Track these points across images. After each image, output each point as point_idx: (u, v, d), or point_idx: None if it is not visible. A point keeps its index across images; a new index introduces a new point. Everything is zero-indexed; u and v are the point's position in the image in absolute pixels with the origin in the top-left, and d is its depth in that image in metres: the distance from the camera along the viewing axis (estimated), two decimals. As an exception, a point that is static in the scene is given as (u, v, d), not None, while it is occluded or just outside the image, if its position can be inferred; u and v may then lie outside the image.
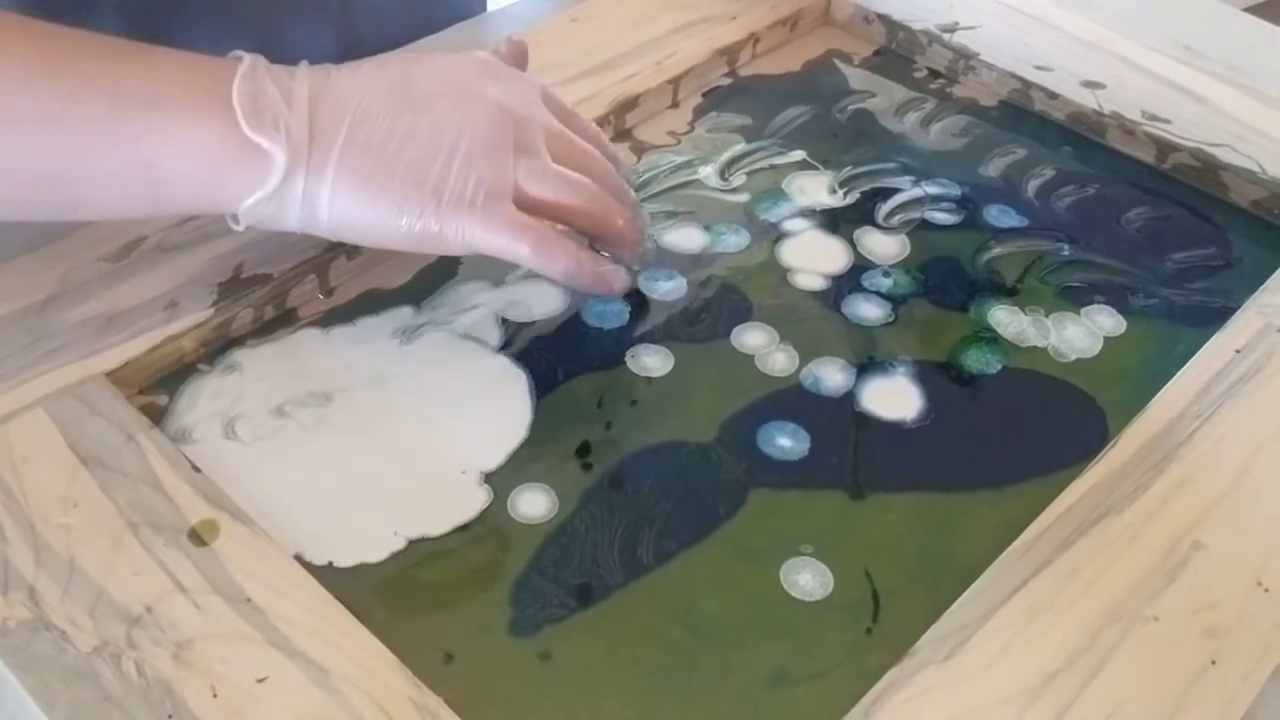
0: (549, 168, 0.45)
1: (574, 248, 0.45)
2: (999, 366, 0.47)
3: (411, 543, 0.40)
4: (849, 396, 0.46)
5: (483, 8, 0.69)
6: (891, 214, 0.54)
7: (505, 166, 0.43)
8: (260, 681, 0.34)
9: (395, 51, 0.45)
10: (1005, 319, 0.49)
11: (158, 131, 0.40)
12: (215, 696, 0.34)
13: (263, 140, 0.41)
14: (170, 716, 0.33)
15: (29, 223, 0.47)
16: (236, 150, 0.41)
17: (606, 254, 0.47)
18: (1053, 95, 0.60)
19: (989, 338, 0.48)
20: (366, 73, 0.44)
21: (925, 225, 0.54)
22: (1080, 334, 0.49)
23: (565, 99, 0.48)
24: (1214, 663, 0.36)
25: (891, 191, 0.56)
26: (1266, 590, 0.38)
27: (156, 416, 0.43)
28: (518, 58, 0.50)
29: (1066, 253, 0.53)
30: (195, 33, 0.58)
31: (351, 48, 0.62)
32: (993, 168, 0.58)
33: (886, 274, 0.51)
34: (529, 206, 0.44)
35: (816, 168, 0.57)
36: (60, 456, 0.40)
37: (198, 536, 0.38)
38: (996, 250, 0.53)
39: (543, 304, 0.49)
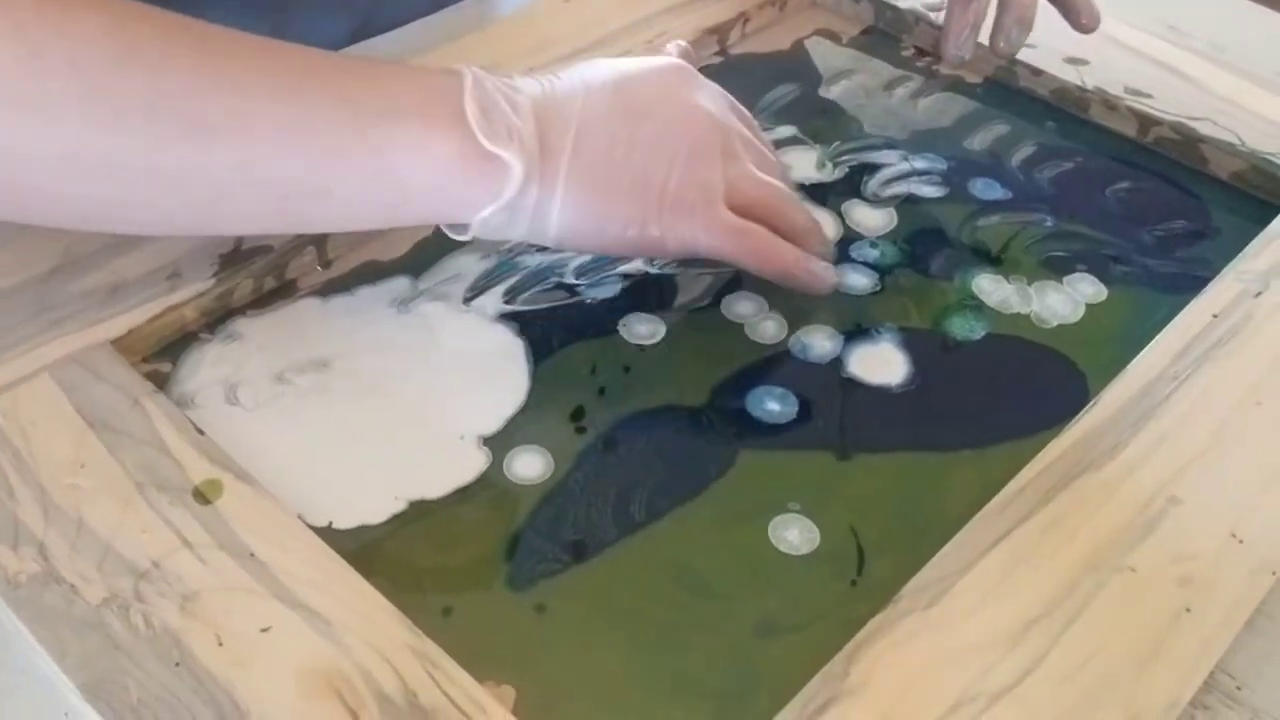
0: (752, 172, 0.46)
1: (789, 248, 0.46)
2: (983, 333, 0.48)
3: (411, 504, 0.41)
4: (836, 362, 0.47)
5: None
6: (879, 187, 0.55)
7: (717, 171, 0.45)
8: (264, 631, 0.35)
9: (596, 61, 0.46)
10: (989, 287, 0.50)
11: (398, 144, 0.41)
12: (221, 645, 0.35)
13: (501, 151, 0.41)
14: (178, 664, 0.34)
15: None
16: (475, 162, 0.41)
17: None
18: (1037, 72, 0.61)
19: (973, 305, 0.49)
20: (581, 81, 0.44)
21: (912, 198, 0.55)
22: (1062, 301, 0.50)
23: (744, 109, 0.50)
24: (1189, 610, 0.37)
25: (879, 166, 0.57)
26: (1241, 542, 0.39)
27: (160, 383, 0.44)
28: (691, 58, 0.51)
29: (1049, 224, 0.54)
30: (206, 7, 0.58)
31: (363, 24, 0.63)
32: (978, 142, 0.59)
33: (874, 245, 0.52)
34: (738, 209, 0.45)
35: (805, 143, 0.58)
36: (68, 420, 0.41)
37: (202, 495, 0.39)
38: (981, 222, 0.54)
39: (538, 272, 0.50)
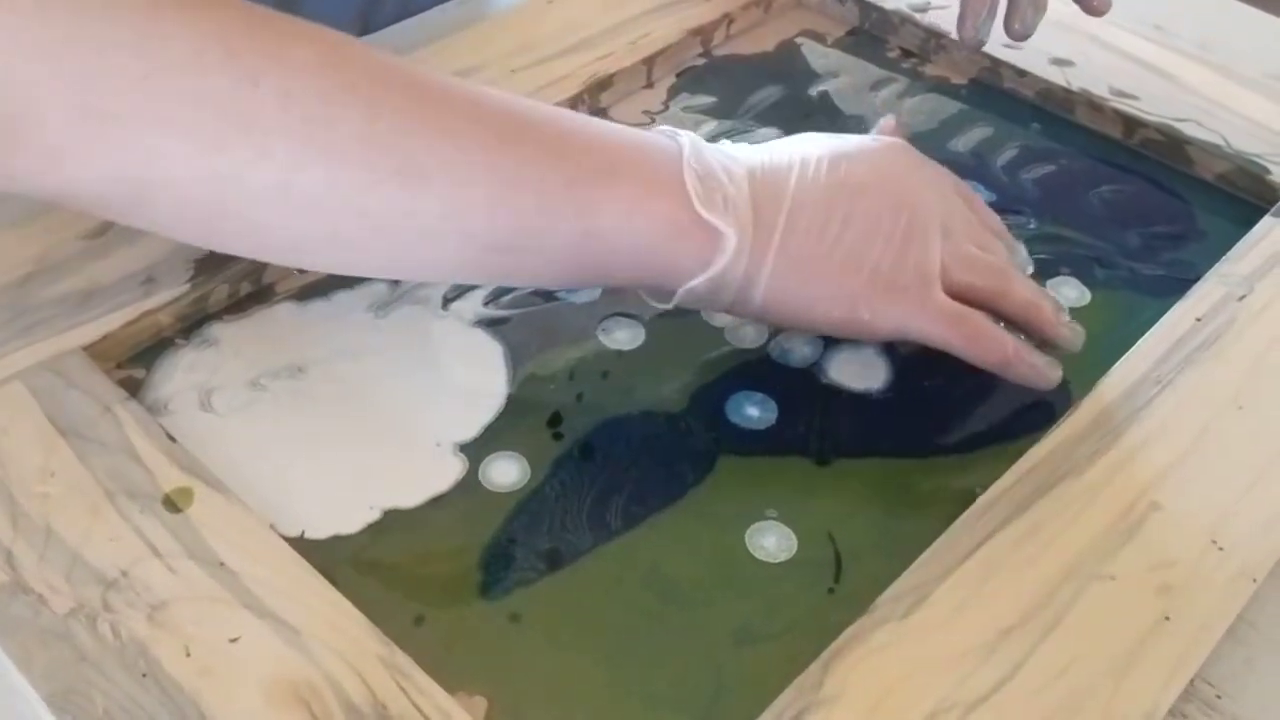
0: (971, 253, 0.44)
1: (1008, 338, 0.43)
2: (965, 337, 0.48)
3: (386, 513, 0.40)
4: (816, 368, 0.46)
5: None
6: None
7: (934, 253, 0.43)
8: (233, 641, 0.35)
9: (812, 135, 0.45)
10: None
11: (612, 205, 0.40)
12: (189, 656, 0.34)
13: (716, 220, 0.40)
14: (145, 675, 0.34)
15: (6, 197, 0.47)
16: (688, 230, 0.40)
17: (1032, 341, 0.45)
18: (1022, 73, 0.61)
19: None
20: (795, 154, 0.43)
21: (895, 201, 0.55)
22: (1045, 305, 0.49)
23: (968, 187, 0.48)
24: (1168, 619, 0.37)
25: (862, 168, 0.56)
26: (1221, 549, 0.39)
27: (134, 389, 0.43)
28: (900, 133, 0.49)
29: (1033, 226, 0.53)
30: None
31: (369, 11, 0.63)
32: (963, 144, 0.58)
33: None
34: (956, 292, 0.43)
35: (789, 145, 0.57)
36: (38, 427, 0.40)
37: (172, 503, 0.38)
38: (965, 224, 0.53)
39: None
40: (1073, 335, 0.45)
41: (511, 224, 0.40)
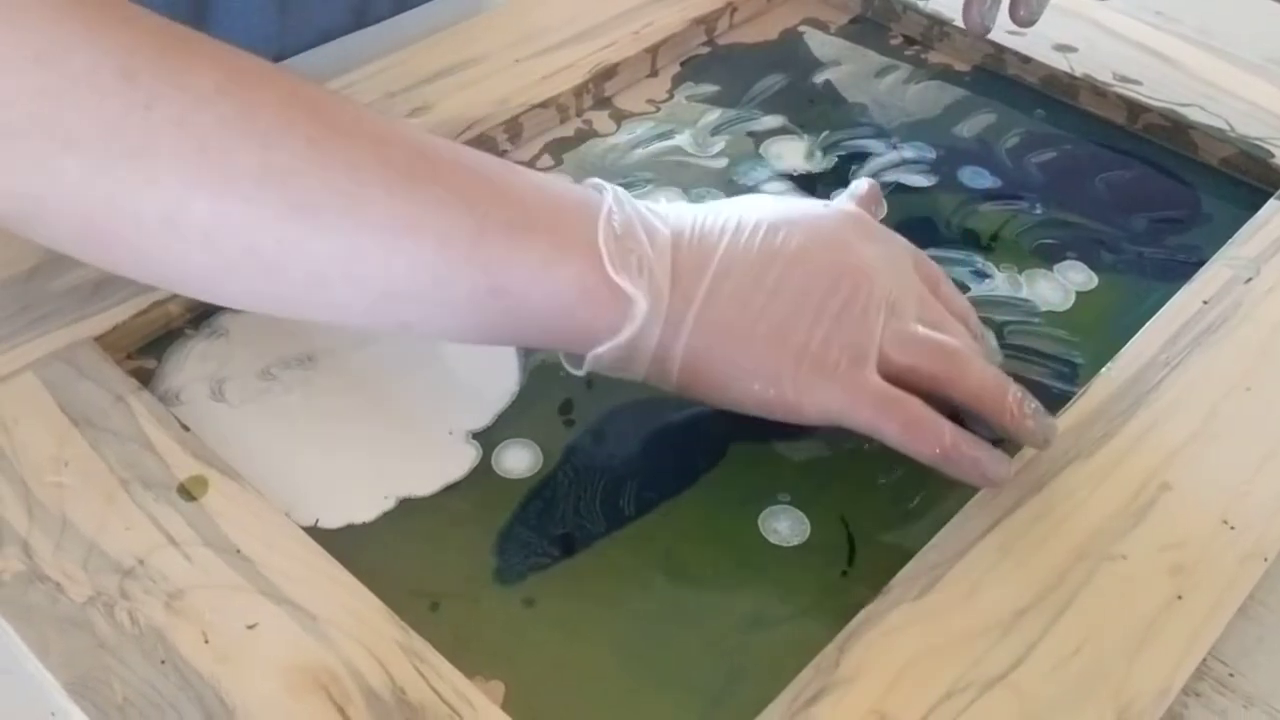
0: (918, 332, 0.40)
1: (947, 428, 0.39)
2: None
3: (401, 502, 0.41)
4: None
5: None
6: (868, 177, 0.55)
7: (873, 330, 0.39)
8: (250, 628, 0.35)
9: (762, 197, 0.42)
10: (979, 275, 0.50)
11: (519, 261, 0.37)
12: (207, 643, 0.34)
13: (626, 285, 0.38)
14: (163, 662, 0.34)
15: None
16: (597, 292, 0.38)
17: (982, 432, 0.41)
18: (1025, 59, 0.61)
19: (964, 293, 0.49)
20: (733, 216, 0.40)
21: (901, 187, 0.55)
22: (1052, 289, 0.50)
23: (937, 267, 0.45)
24: (1180, 598, 0.37)
25: (868, 155, 0.56)
26: (1232, 528, 0.39)
27: (145, 379, 0.44)
28: (874, 199, 0.46)
29: (1039, 211, 0.54)
30: (216, 3, 0.58)
31: (365, 8, 0.63)
32: (967, 130, 0.58)
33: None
34: (896, 375, 0.39)
35: (795, 133, 0.58)
36: (51, 418, 0.40)
37: (187, 492, 0.38)
38: (971, 210, 0.54)
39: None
40: (1038, 429, 0.40)
41: (409, 273, 0.37)
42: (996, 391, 0.40)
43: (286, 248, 0.36)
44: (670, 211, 0.40)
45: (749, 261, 0.39)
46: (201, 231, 0.36)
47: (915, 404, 0.39)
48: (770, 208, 0.41)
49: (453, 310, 0.38)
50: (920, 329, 0.40)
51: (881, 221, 0.52)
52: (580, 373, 0.40)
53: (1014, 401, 0.40)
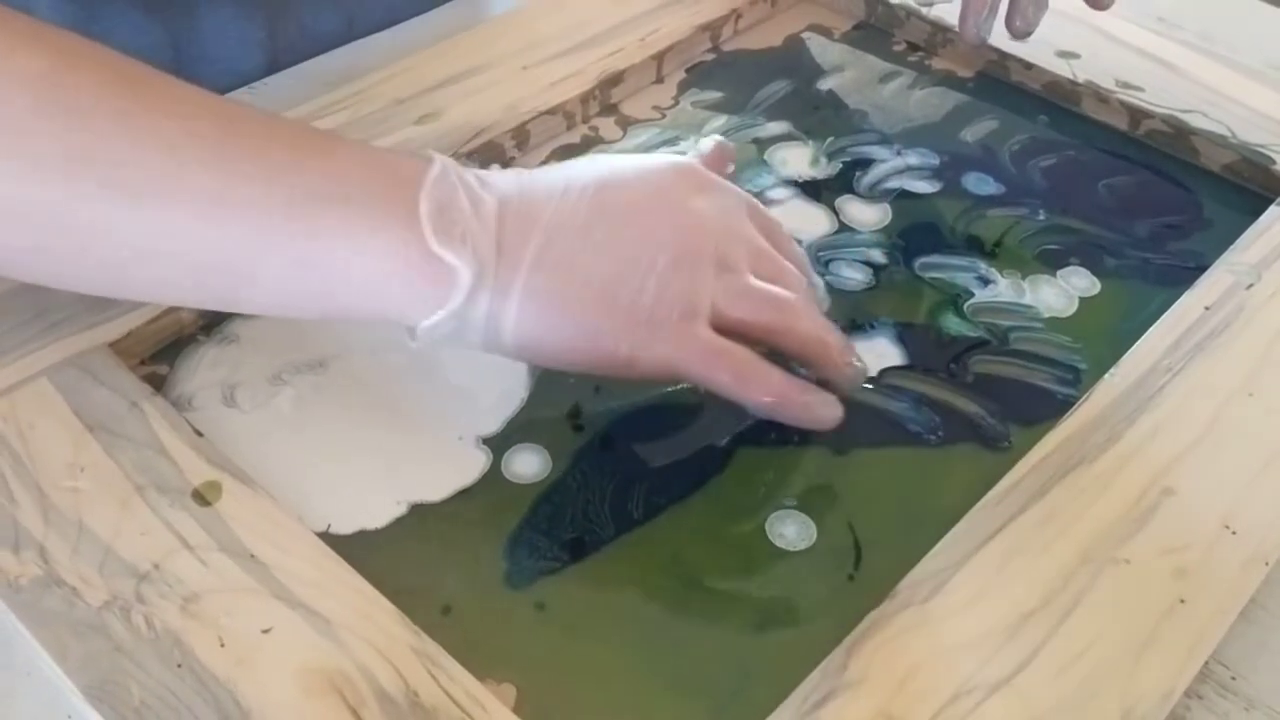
0: (750, 285, 0.41)
1: (778, 376, 0.40)
2: (977, 327, 0.49)
3: (413, 508, 0.41)
4: (831, 358, 0.47)
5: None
6: (873, 183, 0.56)
7: (703, 284, 0.40)
8: (265, 632, 0.35)
9: (595, 157, 0.42)
10: (983, 281, 0.51)
11: (335, 232, 0.37)
12: (223, 646, 0.35)
13: (449, 255, 0.37)
14: (180, 665, 0.34)
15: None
16: (419, 264, 0.38)
17: (809, 376, 0.43)
18: (1028, 66, 0.61)
19: (968, 299, 0.50)
20: (561, 179, 0.41)
21: (906, 194, 0.55)
22: (1055, 295, 0.50)
23: (772, 214, 0.45)
24: (1183, 602, 0.37)
25: (872, 161, 0.57)
26: (1234, 533, 0.39)
27: (158, 385, 0.44)
28: (722, 159, 0.47)
29: (1042, 217, 0.54)
30: (204, 11, 0.59)
31: (354, 21, 0.63)
32: (970, 136, 0.59)
33: (868, 240, 0.52)
34: (728, 327, 0.40)
35: (799, 140, 0.58)
36: (66, 423, 0.41)
37: (201, 497, 0.39)
38: (974, 216, 0.54)
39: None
40: (853, 374, 0.42)
41: (224, 248, 0.37)
42: (823, 341, 0.42)
43: (100, 226, 0.37)
44: (499, 179, 0.40)
45: (576, 223, 0.39)
46: (14, 212, 0.36)
47: (744, 354, 0.40)
48: (601, 167, 0.42)
49: (272, 284, 0.39)
50: (752, 282, 0.41)
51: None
52: (415, 345, 0.40)
53: (838, 350, 0.42)
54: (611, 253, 0.39)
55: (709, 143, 0.47)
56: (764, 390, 0.40)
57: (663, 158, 0.44)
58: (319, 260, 0.38)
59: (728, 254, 0.41)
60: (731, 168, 0.47)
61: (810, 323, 0.42)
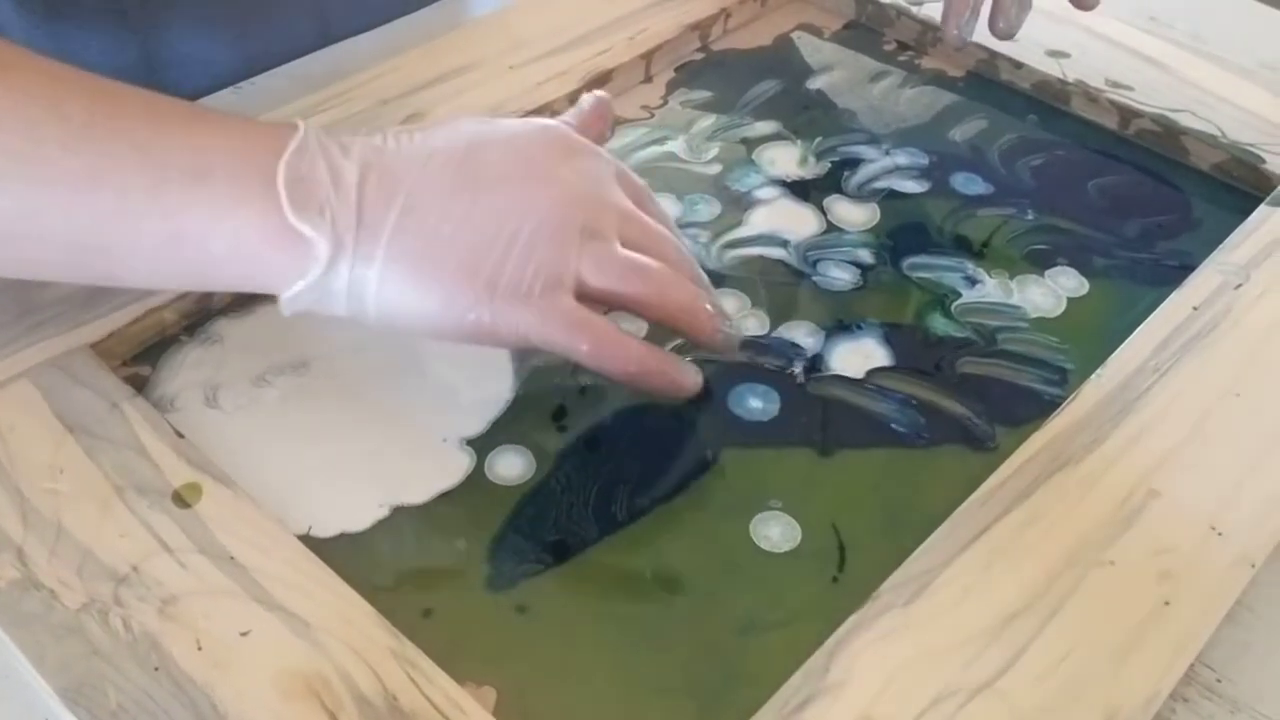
0: (616, 254, 0.41)
1: (637, 347, 0.41)
2: (964, 328, 0.48)
3: (395, 510, 0.41)
4: (818, 358, 0.47)
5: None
6: (861, 183, 0.55)
7: (568, 254, 0.40)
8: (243, 635, 0.35)
9: (461, 121, 0.42)
10: (970, 281, 0.50)
11: (198, 208, 0.38)
12: (200, 649, 0.35)
13: (305, 227, 0.38)
14: (157, 669, 0.34)
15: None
16: (278, 235, 0.38)
17: (682, 342, 0.44)
18: (1018, 65, 0.61)
19: (955, 300, 0.49)
20: (426, 146, 0.40)
21: (894, 193, 0.55)
22: (1043, 295, 0.50)
23: (640, 179, 0.45)
24: (1168, 604, 0.37)
25: (861, 161, 0.57)
26: (1220, 535, 0.39)
27: (140, 386, 0.44)
28: (598, 117, 0.47)
29: (1031, 217, 0.54)
30: (175, 15, 0.59)
31: (329, 26, 0.63)
32: (959, 136, 0.59)
33: (856, 240, 0.52)
34: (593, 297, 0.41)
35: (788, 139, 0.58)
36: (46, 425, 0.40)
37: (181, 499, 0.39)
38: (963, 216, 0.54)
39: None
40: (725, 340, 0.43)
41: (92, 227, 0.38)
42: (691, 309, 0.42)
43: None
44: (361, 146, 0.40)
45: (438, 192, 0.39)
46: None
47: (604, 324, 0.41)
48: (466, 133, 0.41)
49: (142, 259, 0.39)
50: (619, 251, 0.41)
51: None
52: (286, 314, 0.40)
53: (707, 317, 0.42)
54: (475, 223, 0.39)
55: (588, 99, 0.47)
56: (624, 361, 0.41)
57: (532, 121, 0.44)
58: (186, 236, 0.38)
59: (595, 222, 0.41)
60: (611, 126, 0.47)
61: (678, 291, 0.42)
